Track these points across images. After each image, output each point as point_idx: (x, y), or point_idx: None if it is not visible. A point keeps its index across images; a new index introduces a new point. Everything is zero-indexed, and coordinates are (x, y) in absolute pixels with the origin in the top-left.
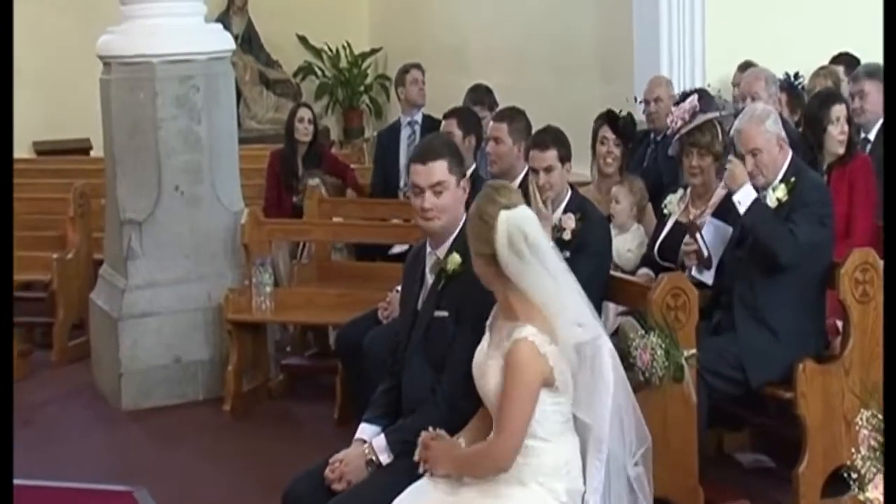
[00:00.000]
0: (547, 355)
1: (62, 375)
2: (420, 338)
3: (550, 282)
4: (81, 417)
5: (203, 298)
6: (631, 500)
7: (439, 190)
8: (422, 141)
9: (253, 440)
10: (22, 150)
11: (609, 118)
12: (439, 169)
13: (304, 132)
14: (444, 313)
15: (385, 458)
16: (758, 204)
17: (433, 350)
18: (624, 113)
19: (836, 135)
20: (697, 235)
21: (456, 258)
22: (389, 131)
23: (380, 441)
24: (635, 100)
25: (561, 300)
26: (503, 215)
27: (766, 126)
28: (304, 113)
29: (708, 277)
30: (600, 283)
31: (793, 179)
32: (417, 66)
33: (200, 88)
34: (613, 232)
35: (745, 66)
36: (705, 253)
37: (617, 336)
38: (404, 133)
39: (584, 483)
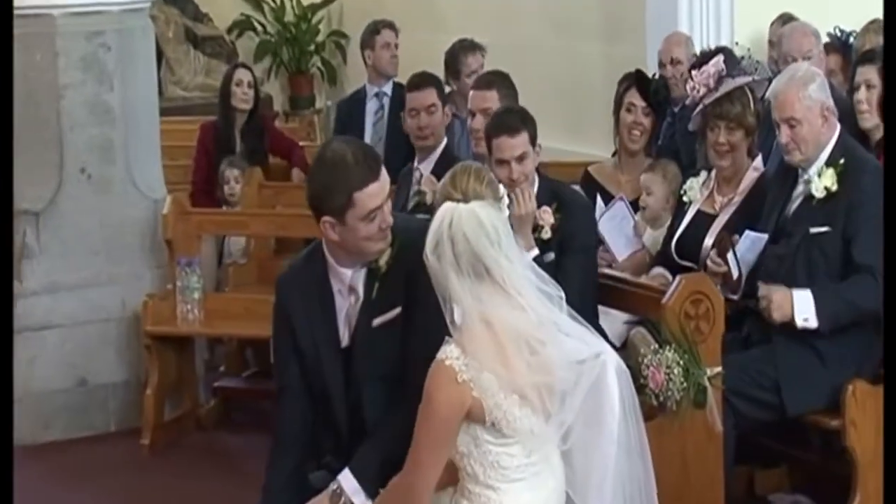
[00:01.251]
0: (470, 383)
1: None
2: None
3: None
4: None
5: (116, 306)
6: None
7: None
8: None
9: (178, 480)
10: None
11: (638, 80)
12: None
13: (242, 98)
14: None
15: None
16: (822, 304)
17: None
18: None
19: (862, 107)
20: (729, 255)
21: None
22: (351, 102)
23: (350, 482)
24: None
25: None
26: (445, 210)
27: (808, 91)
28: (242, 75)
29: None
30: (596, 284)
31: (842, 161)
32: (390, 26)
33: (112, 47)
34: (645, 228)
35: (787, 19)
36: (735, 274)
37: (625, 351)
38: (370, 106)
39: None
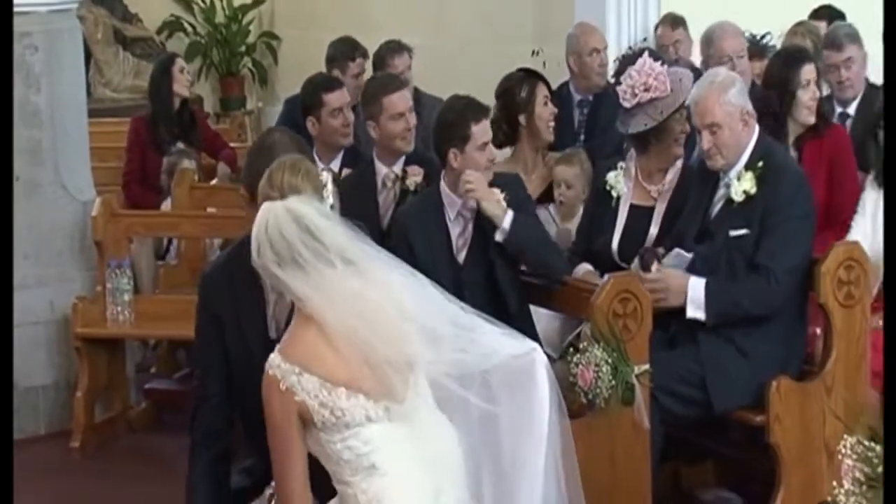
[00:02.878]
0: (292, 388)
1: None
2: None
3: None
4: None
5: (45, 309)
6: None
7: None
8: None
9: (109, 482)
10: None
11: (539, 76)
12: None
13: (185, 83)
14: None
15: None
16: (711, 299)
17: None
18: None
19: (807, 101)
20: (654, 268)
21: None
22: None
23: None
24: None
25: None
26: (262, 211)
27: (728, 97)
28: (182, 62)
29: None
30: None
31: (760, 164)
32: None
33: (39, 48)
34: (562, 221)
35: (675, 20)
36: None
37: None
38: None
39: None
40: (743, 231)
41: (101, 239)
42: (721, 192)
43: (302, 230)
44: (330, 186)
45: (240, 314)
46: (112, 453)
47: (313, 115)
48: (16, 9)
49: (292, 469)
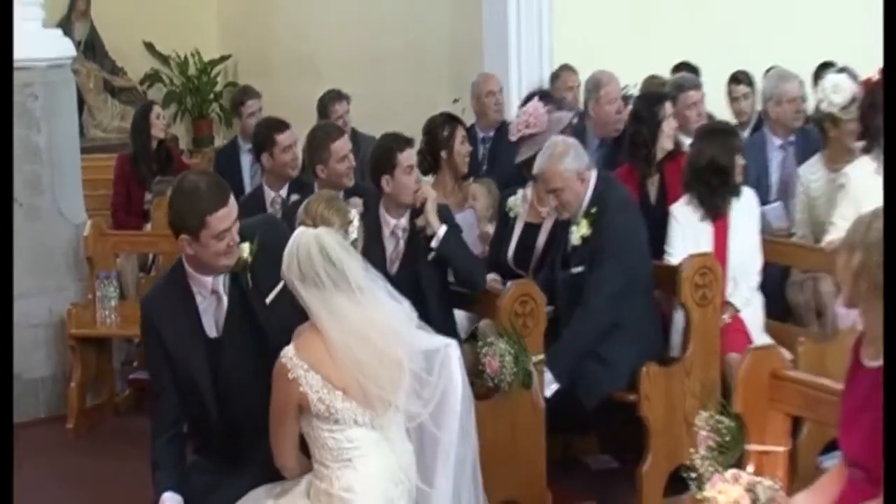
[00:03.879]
0: (298, 380)
1: None
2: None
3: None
4: None
5: (44, 313)
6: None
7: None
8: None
9: (99, 459)
10: None
11: (457, 119)
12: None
13: (161, 127)
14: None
15: None
16: (554, 368)
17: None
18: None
19: (668, 131)
20: None
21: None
22: (229, 153)
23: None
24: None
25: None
26: (296, 234)
27: (565, 165)
28: (159, 110)
29: None
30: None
31: (594, 210)
32: (255, 95)
33: (39, 97)
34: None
35: (568, 69)
36: None
37: (475, 340)
38: (245, 160)
39: None
40: (580, 269)
41: (91, 255)
42: (569, 235)
43: (324, 258)
44: (356, 223)
45: (177, 324)
46: (100, 434)
47: (267, 151)
48: (19, 63)
49: (285, 443)
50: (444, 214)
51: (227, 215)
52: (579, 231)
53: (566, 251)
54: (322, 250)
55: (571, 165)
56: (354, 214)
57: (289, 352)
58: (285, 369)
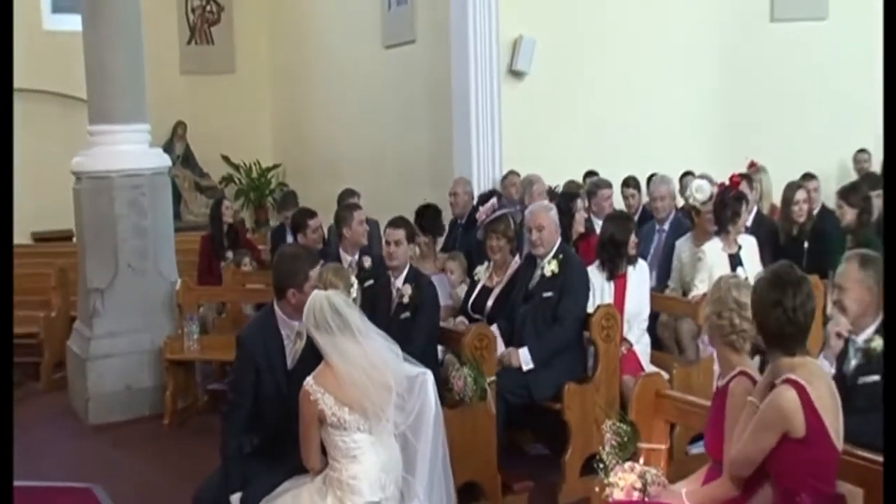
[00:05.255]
0: (317, 401)
1: (47, 400)
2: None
3: (354, 347)
4: (59, 431)
5: (148, 344)
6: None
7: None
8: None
9: (185, 445)
10: (24, 238)
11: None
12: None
13: (230, 214)
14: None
15: None
16: (534, 353)
17: None
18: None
19: (580, 219)
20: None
21: None
22: (279, 232)
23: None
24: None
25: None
26: (312, 295)
27: (550, 214)
28: (228, 202)
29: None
30: (435, 333)
31: (561, 256)
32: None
33: (147, 194)
34: (451, 288)
35: (513, 174)
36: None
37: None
38: (289, 237)
39: (379, 493)
40: (550, 294)
41: (181, 303)
42: (538, 271)
43: (333, 311)
44: (356, 285)
45: (270, 357)
46: (187, 428)
47: (301, 231)
48: (131, 171)
49: (311, 445)
50: (425, 291)
51: (318, 270)
52: (550, 266)
53: (528, 290)
54: (332, 306)
55: (553, 217)
56: (354, 280)
57: (309, 381)
58: (307, 393)
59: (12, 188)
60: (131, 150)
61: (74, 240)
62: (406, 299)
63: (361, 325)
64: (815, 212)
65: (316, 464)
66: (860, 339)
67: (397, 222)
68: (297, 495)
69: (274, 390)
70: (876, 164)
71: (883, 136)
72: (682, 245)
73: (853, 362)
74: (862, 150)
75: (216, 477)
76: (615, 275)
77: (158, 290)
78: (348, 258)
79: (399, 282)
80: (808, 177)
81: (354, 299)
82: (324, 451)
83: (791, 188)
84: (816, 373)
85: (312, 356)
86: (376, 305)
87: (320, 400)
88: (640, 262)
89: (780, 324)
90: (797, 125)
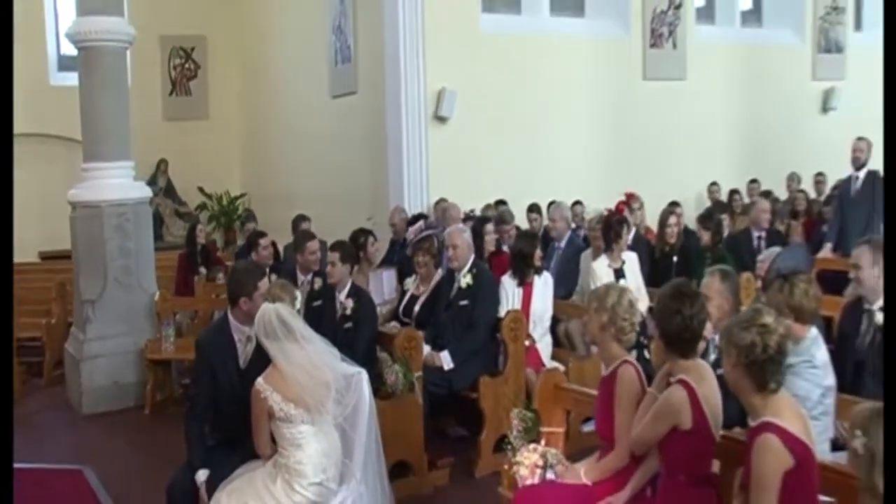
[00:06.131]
0: (266, 399)
1: (48, 394)
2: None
3: (298, 351)
4: (58, 419)
5: (132, 345)
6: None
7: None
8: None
9: (163, 431)
10: (32, 256)
11: (370, 231)
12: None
13: (203, 236)
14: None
15: None
16: (454, 355)
17: None
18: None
19: (489, 240)
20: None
21: None
22: (243, 250)
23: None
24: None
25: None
26: (261, 308)
27: (464, 235)
28: (202, 226)
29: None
30: (374, 339)
31: (475, 270)
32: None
33: (131, 220)
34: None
35: (440, 201)
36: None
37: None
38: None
39: (321, 475)
40: (466, 302)
41: (159, 311)
42: (456, 284)
43: (279, 321)
44: (300, 298)
45: (224, 358)
46: (165, 417)
47: (254, 250)
48: (117, 201)
49: (262, 436)
50: (359, 294)
51: (266, 282)
52: (465, 279)
53: (449, 298)
54: (278, 316)
55: (467, 237)
56: (298, 295)
57: (260, 381)
58: (258, 392)
59: (12, 209)
60: (118, 183)
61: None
62: (349, 311)
63: (305, 331)
64: (681, 232)
65: (266, 451)
66: (718, 338)
67: (334, 246)
68: (251, 478)
69: (229, 387)
70: (723, 194)
71: (883, 136)
72: (584, 259)
73: (712, 357)
74: (714, 183)
75: (184, 467)
76: (524, 282)
77: (140, 300)
78: (302, 278)
79: (342, 296)
80: (674, 204)
81: (298, 310)
82: (274, 440)
83: (665, 213)
84: (705, 375)
85: (262, 358)
86: (322, 319)
87: (269, 397)
88: (545, 273)
89: (679, 329)
90: (664, 163)
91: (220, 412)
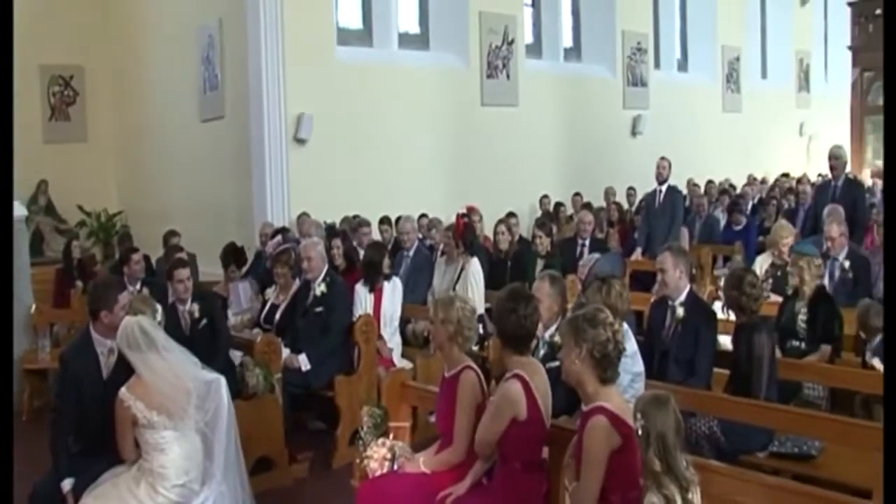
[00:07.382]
0: (130, 407)
1: None
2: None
3: (160, 361)
4: None
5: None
6: (240, 467)
7: None
8: None
9: (39, 437)
10: None
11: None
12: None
13: (78, 251)
14: None
15: None
16: (311, 356)
17: None
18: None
19: (338, 254)
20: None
21: None
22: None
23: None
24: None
25: (167, 371)
26: (124, 321)
27: (318, 248)
28: (77, 242)
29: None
30: (228, 344)
31: (328, 279)
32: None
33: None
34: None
35: (302, 215)
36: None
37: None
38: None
39: (184, 477)
40: (321, 309)
41: (35, 324)
42: (311, 293)
43: (141, 332)
44: (160, 311)
45: (87, 370)
46: (41, 423)
47: (126, 263)
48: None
49: (126, 442)
50: (210, 300)
51: (126, 295)
52: (320, 288)
53: (305, 306)
54: (141, 329)
55: (319, 250)
56: (159, 308)
57: (123, 391)
58: (122, 401)
59: (12, 209)
60: None
61: None
62: (200, 325)
63: (165, 342)
64: (516, 240)
65: (131, 455)
66: (546, 335)
67: (184, 263)
68: (116, 483)
69: (93, 398)
70: (550, 206)
71: (883, 136)
72: (438, 265)
73: (541, 352)
74: (545, 196)
75: (50, 473)
76: (374, 287)
77: (18, 313)
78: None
79: (187, 305)
80: (510, 215)
81: (159, 322)
82: (137, 445)
83: (497, 224)
84: (537, 369)
85: (124, 369)
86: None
87: (133, 406)
88: (394, 278)
89: (514, 328)
90: (501, 179)
91: (85, 422)
